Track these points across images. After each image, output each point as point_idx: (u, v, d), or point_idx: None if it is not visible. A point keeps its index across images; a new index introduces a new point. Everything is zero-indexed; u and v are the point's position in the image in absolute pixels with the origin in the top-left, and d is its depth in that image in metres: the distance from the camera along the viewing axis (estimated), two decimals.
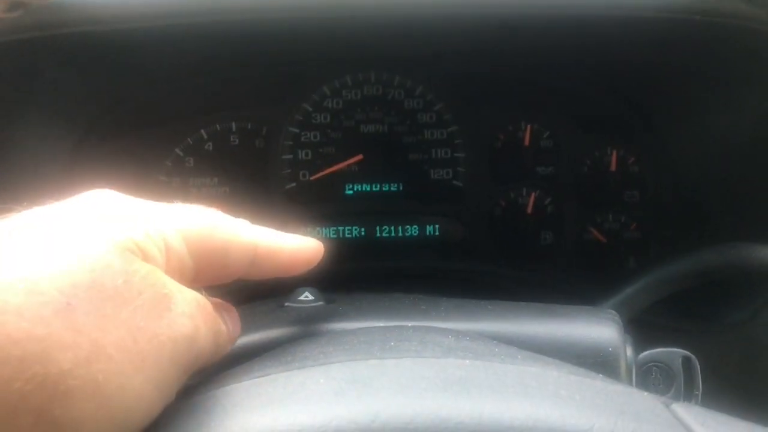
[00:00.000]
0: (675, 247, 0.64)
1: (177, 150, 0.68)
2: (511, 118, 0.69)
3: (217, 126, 0.68)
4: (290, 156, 0.68)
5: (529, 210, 0.69)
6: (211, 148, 0.68)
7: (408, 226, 0.70)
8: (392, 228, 0.70)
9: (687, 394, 0.43)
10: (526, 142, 0.69)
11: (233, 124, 0.68)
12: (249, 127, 0.68)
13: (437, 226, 0.70)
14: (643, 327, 0.50)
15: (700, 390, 0.43)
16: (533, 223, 0.69)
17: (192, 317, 0.27)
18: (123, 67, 0.60)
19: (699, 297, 0.54)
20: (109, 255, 0.24)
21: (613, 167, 0.69)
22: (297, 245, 0.34)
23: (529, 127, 0.69)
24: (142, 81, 0.64)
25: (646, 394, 0.28)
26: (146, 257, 0.26)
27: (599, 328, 0.41)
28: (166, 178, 0.68)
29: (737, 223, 0.59)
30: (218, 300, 0.32)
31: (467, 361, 0.28)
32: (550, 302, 0.46)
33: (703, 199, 0.64)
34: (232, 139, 0.68)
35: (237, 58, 0.64)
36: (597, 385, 0.27)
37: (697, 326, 0.58)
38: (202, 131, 0.68)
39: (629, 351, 0.42)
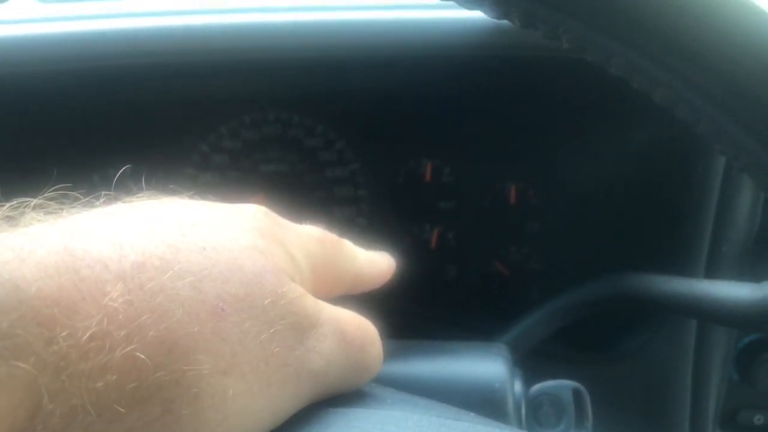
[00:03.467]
0: (576, 278, 0.65)
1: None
2: (412, 154, 0.69)
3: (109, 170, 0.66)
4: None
5: (433, 245, 0.69)
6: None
7: None
8: None
9: (578, 426, 0.44)
10: (428, 177, 0.69)
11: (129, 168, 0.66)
12: (145, 170, 0.66)
13: None
14: (539, 358, 0.50)
15: (590, 421, 0.43)
16: (437, 258, 0.69)
17: (325, 354, 0.26)
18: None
19: (592, 326, 0.55)
20: (265, 272, 0.24)
21: (513, 200, 0.70)
22: (381, 258, 0.36)
23: (429, 163, 0.69)
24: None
25: (509, 431, 0.27)
26: (295, 279, 0.26)
27: (486, 364, 0.41)
28: None
29: (630, 253, 0.61)
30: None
31: (329, 409, 0.27)
32: (455, 337, 0.46)
33: (599, 229, 0.65)
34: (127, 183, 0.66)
35: (130, 103, 0.63)
36: (458, 426, 0.27)
37: (590, 357, 0.59)
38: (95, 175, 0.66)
39: (518, 385, 0.42)
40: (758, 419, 0.61)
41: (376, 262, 0.36)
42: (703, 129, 0.24)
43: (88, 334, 0.19)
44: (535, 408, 0.44)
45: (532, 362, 0.49)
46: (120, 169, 0.65)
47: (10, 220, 0.23)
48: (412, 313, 0.67)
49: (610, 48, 0.24)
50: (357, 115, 0.68)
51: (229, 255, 0.24)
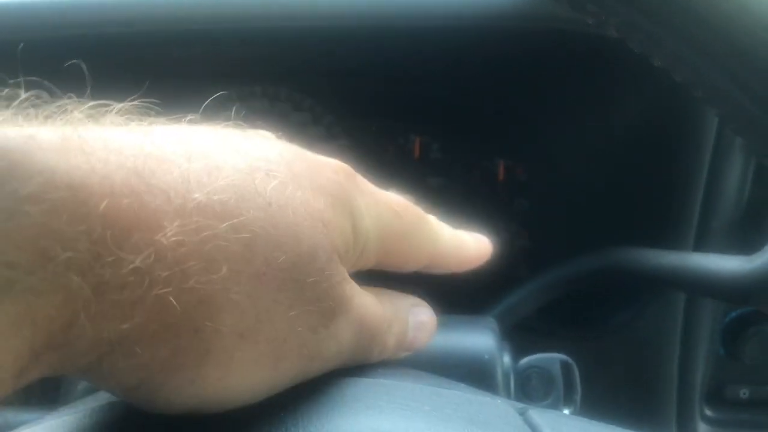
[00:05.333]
0: (565, 254, 0.65)
1: None
2: (401, 130, 0.69)
3: None
4: None
5: None
6: None
7: None
8: None
9: (567, 399, 0.44)
10: (416, 153, 0.69)
11: None
12: None
13: None
14: (527, 333, 0.50)
15: (579, 394, 0.43)
16: None
17: (340, 341, 0.26)
18: None
19: (580, 301, 0.55)
20: (319, 249, 0.24)
21: (501, 177, 0.69)
22: (472, 240, 0.35)
23: (418, 138, 0.69)
24: None
25: (500, 401, 0.27)
26: (343, 259, 0.25)
27: (475, 337, 0.41)
28: None
29: (619, 228, 0.60)
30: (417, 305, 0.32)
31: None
32: (443, 311, 0.46)
33: (587, 204, 0.65)
34: None
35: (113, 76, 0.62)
36: (450, 394, 0.26)
37: (579, 331, 0.59)
38: None
39: (507, 358, 0.42)
40: (744, 393, 0.61)
41: (463, 245, 0.34)
42: (699, 91, 0.24)
43: (130, 267, 0.19)
44: (523, 381, 0.44)
45: (519, 337, 0.49)
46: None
47: (92, 119, 0.22)
48: (400, 288, 0.67)
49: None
50: (345, 90, 0.67)
51: (291, 219, 0.23)
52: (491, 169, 0.69)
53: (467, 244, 0.35)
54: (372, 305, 0.28)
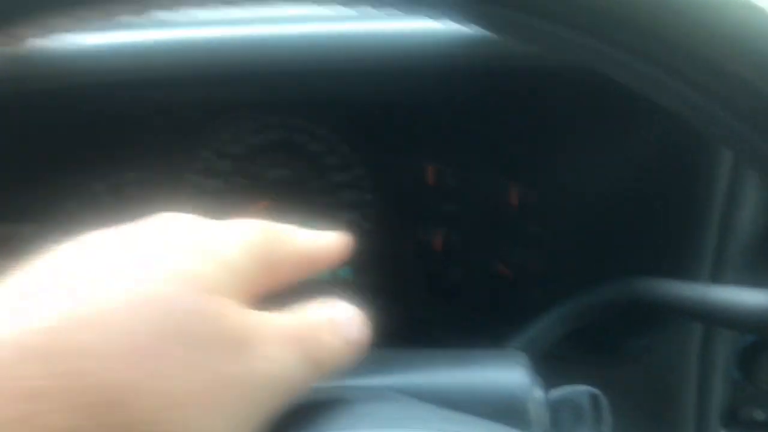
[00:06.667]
0: (580, 280, 0.66)
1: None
2: (416, 158, 0.70)
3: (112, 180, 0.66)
4: (191, 206, 0.67)
5: (437, 248, 0.70)
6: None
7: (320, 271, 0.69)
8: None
9: (597, 430, 0.44)
10: (431, 181, 0.70)
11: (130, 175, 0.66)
12: (149, 179, 0.66)
13: (349, 270, 0.70)
14: (545, 360, 0.51)
15: (609, 425, 0.44)
16: (441, 261, 0.70)
17: (274, 355, 0.26)
18: None
19: (596, 329, 0.56)
20: (185, 294, 0.24)
21: (515, 202, 0.70)
22: (324, 237, 0.35)
23: (432, 167, 0.69)
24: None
25: None
26: (219, 290, 0.25)
27: (506, 373, 0.41)
28: None
29: (634, 255, 0.61)
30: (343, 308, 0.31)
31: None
32: (461, 341, 0.46)
33: (601, 230, 0.66)
34: (128, 192, 0.66)
35: (133, 112, 0.62)
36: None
37: (595, 358, 0.60)
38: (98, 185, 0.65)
39: (538, 392, 0.42)
40: (758, 414, 0.62)
41: (319, 240, 0.34)
42: (700, 123, 0.25)
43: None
44: (554, 414, 0.44)
45: (540, 365, 0.50)
46: (123, 178, 0.65)
47: None
48: (417, 318, 0.68)
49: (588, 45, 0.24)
50: (360, 120, 0.68)
51: (139, 285, 0.24)
52: (505, 194, 0.70)
53: (322, 239, 0.35)
54: (286, 317, 0.28)
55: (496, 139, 0.69)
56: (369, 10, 0.30)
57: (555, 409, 0.44)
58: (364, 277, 0.69)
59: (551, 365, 0.50)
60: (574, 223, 0.69)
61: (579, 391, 0.44)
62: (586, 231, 0.68)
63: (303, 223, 0.34)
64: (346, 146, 0.69)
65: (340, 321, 0.31)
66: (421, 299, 0.69)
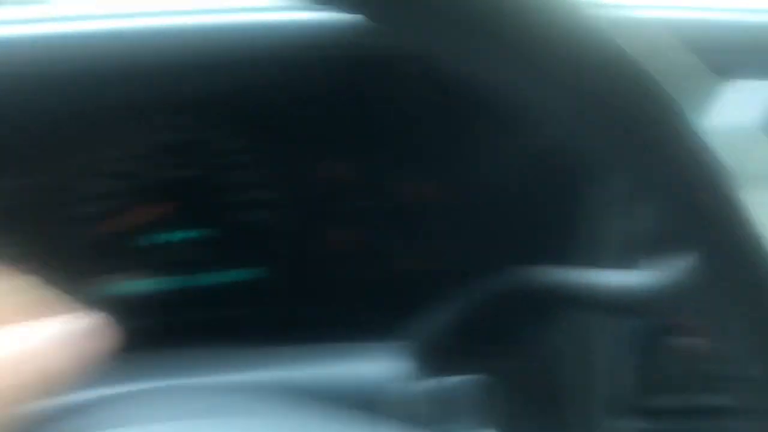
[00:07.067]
0: (482, 273, 0.67)
1: None
2: (319, 155, 0.69)
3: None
4: (94, 207, 0.66)
5: (342, 246, 0.70)
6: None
7: (229, 272, 0.69)
8: (212, 276, 0.68)
9: (479, 419, 0.45)
10: (339, 178, 0.69)
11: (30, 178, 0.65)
12: (47, 180, 0.65)
13: (260, 270, 0.69)
14: (440, 353, 0.51)
15: (493, 414, 0.44)
16: (353, 261, 0.70)
17: None
18: None
19: (491, 320, 0.56)
20: None
21: (418, 198, 0.70)
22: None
23: (340, 163, 0.69)
24: None
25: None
26: None
27: (383, 366, 0.41)
28: None
29: (530, 247, 0.62)
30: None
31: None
32: (366, 340, 0.46)
33: (501, 224, 0.66)
34: (29, 195, 0.65)
35: (27, 113, 0.61)
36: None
37: (490, 349, 0.60)
38: None
39: (415, 383, 0.43)
40: (662, 400, 0.63)
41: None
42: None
43: None
44: (436, 404, 0.44)
45: (432, 358, 0.50)
46: (14, 183, 0.64)
47: None
48: (321, 317, 0.67)
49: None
50: (265, 118, 0.68)
51: None
52: (408, 190, 0.70)
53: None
54: None
55: (400, 136, 0.69)
56: None
57: (436, 399, 0.45)
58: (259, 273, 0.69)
59: (444, 357, 0.50)
60: (476, 217, 0.69)
61: (465, 379, 0.45)
62: (486, 225, 0.68)
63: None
64: (251, 145, 0.68)
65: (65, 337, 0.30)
66: (326, 299, 0.69)
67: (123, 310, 0.34)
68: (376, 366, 0.41)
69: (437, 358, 0.50)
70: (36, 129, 0.63)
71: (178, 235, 0.67)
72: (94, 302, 0.30)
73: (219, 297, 0.68)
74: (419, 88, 0.60)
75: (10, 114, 0.60)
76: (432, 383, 0.44)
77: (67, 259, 0.64)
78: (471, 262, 0.55)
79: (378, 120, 0.66)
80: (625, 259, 0.55)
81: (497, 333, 0.60)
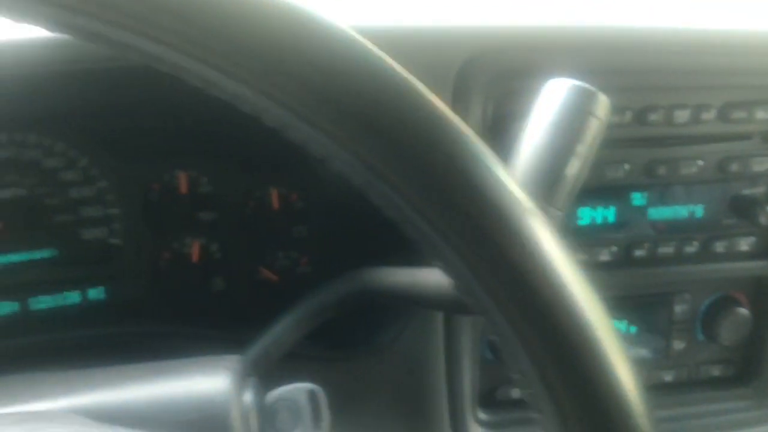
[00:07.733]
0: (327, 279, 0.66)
1: None
2: (166, 167, 0.67)
3: None
4: None
5: (195, 259, 0.67)
6: None
7: (67, 294, 0.65)
8: (50, 298, 0.64)
9: (314, 427, 0.44)
10: (183, 190, 0.67)
11: None
12: None
13: (101, 289, 0.66)
14: (292, 361, 0.50)
15: (326, 421, 0.43)
16: (202, 272, 0.67)
17: None
18: None
19: (343, 324, 0.55)
20: None
21: (276, 205, 0.69)
22: None
23: (183, 174, 0.67)
24: None
25: None
26: None
27: (207, 379, 0.40)
28: None
29: (381, 250, 0.62)
30: None
31: None
32: (218, 354, 0.44)
33: (357, 228, 0.66)
34: None
35: None
36: None
37: (344, 353, 0.60)
38: None
39: (248, 396, 0.41)
40: (515, 393, 0.65)
41: None
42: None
43: None
44: (272, 415, 0.43)
45: (282, 366, 0.49)
46: None
47: None
48: (177, 333, 0.65)
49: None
50: (100, 132, 0.64)
51: None
52: (265, 198, 0.68)
53: None
54: None
55: (249, 143, 0.68)
56: None
57: (273, 409, 0.43)
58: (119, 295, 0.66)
59: (295, 365, 0.49)
60: (335, 222, 0.68)
61: (297, 388, 0.44)
62: (344, 230, 0.68)
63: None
64: (86, 159, 0.65)
65: None
66: (181, 314, 0.66)
67: None
68: (217, 379, 0.40)
69: (279, 367, 0.48)
70: None
71: (10, 258, 0.63)
72: None
73: (66, 318, 0.64)
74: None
75: None
76: (273, 394, 0.43)
77: None
78: (341, 267, 0.54)
79: (218, 130, 0.64)
80: None
81: (351, 335, 0.59)
